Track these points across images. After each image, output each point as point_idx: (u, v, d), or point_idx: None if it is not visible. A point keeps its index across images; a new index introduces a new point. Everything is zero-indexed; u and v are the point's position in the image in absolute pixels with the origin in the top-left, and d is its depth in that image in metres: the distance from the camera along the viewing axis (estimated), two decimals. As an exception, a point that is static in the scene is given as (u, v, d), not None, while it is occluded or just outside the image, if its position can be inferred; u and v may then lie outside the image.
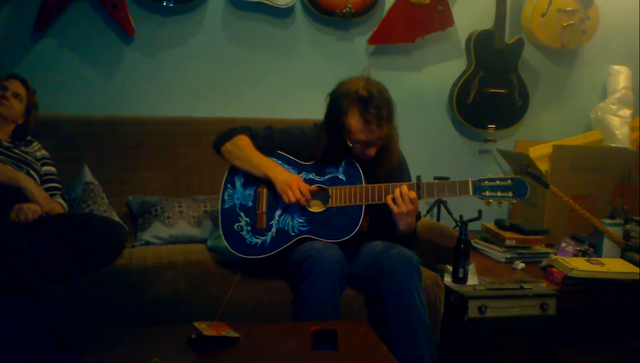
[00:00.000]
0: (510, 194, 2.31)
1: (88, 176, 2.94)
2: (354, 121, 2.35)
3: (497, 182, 2.32)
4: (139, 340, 1.97)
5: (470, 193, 2.33)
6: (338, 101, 2.39)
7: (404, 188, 2.32)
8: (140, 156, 3.11)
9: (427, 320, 2.29)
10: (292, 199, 2.37)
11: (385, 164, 2.45)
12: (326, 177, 2.45)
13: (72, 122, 3.08)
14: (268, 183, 2.45)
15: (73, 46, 3.32)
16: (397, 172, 2.51)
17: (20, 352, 2.06)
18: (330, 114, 2.43)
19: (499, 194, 2.32)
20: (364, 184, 2.38)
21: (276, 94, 3.62)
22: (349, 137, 2.38)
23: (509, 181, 2.32)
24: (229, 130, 2.58)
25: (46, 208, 2.45)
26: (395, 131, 2.44)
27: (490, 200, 2.33)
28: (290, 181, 2.39)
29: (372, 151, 2.40)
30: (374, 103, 2.33)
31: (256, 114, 3.41)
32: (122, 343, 1.94)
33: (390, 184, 2.35)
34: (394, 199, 2.32)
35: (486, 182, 2.32)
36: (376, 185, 2.36)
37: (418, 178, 2.37)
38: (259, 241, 2.43)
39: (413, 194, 2.32)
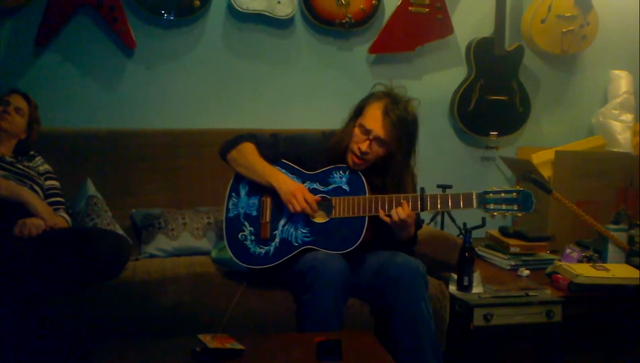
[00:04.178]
0: (516, 207, 2.28)
1: (91, 189, 2.94)
2: (374, 107, 2.39)
3: (502, 195, 2.29)
4: (143, 353, 1.96)
5: (475, 206, 2.30)
6: (375, 90, 2.46)
7: (399, 209, 2.29)
8: (143, 169, 3.11)
9: (434, 328, 2.29)
10: (298, 208, 2.35)
11: (390, 177, 2.42)
12: (330, 187, 2.44)
13: (74, 136, 3.09)
14: (272, 191, 2.44)
15: (74, 60, 3.33)
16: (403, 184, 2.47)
17: (24, 367, 2.06)
18: (363, 98, 2.48)
19: (504, 207, 2.28)
20: (367, 194, 2.37)
21: (277, 105, 3.63)
22: (359, 121, 2.40)
23: (514, 194, 2.28)
24: (235, 137, 2.56)
25: (50, 223, 2.45)
26: (399, 157, 2.40)
27: (495, 213, 2.29)
28: (295, 190, 2.37)
29: (364, 146, 2.36)
30: (401, 110, 2.37)
31: (258, 125, 3.41)
32: (127, 356, 1.94)
33: (394, 195, 2.33)
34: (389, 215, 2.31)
35: (490, 195, 2.29)
36: (379, 196, 2.34)
37: (422, 189, 2.35)
38: (263, 251, 2.43)
39: (407, 211, 2.29)
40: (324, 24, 3.54)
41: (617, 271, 2.85)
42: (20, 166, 2.66)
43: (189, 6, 3.33)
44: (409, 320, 2.25)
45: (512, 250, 3.14)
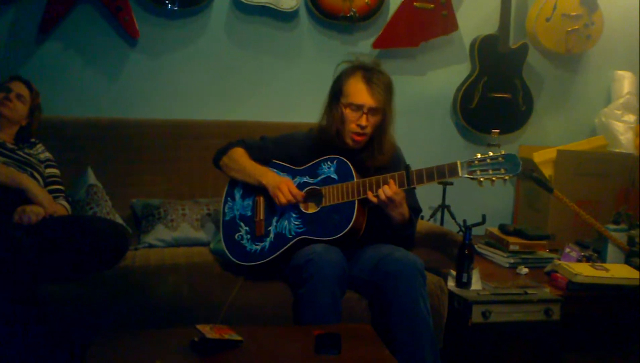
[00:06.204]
0: (503, 171, 2.21)
1: (91, 178, 2.94)
2: (354, 82, 2.41)
3: (488, 161, 2.23)
4: (141, 343, 1.96)
5: (460, 173, 2.24)
6: (344, 68, 2.47)
7: (386, 188, 2.29)
8: (144, 159, 3.10)
9: (432, 325, 2.28)
10: (283, 201, 2.39)
11: (377, 156, 2.45)
12: (319, 178, 2.46)
13: (75, 124, 3.09)
14: (264, 191, 2.48)
15: (77, 49, 3.32)
16: (392, 166, 2.48)
17: (22, 354, 2.06)
18: (334, 81, 2.49)
19: (491, 172, 2.22)
20: (355, 180, 2.38)
21: (280, 98, 3.62)
22: (344, 102, 2.42)
23: (500, 158, 2.22)
24: (225, 145, 2.63)
25: (49, 210, 2.45)
26: (390, 118, 2.46)
27: (482, 179, 2.22)
28: (279, 184, 2.41)
29: (362, 120, 2.39)
30: (378, 74, 2.42)
31: (260, 117, 3.41)
32: (125, 345, 1.94)
33: (381, 176, 2.33)
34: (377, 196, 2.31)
35: (476, 162, 2.24)
36: (367, 179, 2.35)
37: (407, 166, 2.35)
38: (259, 247, 2.45)
39: (393, 189, 2.28)
40: (328, 18, 3.53)
41: (617, 271, 2.85)
42: (21, 153, 2.65)
43: (194, -4, 3.33)
44: (406, 316, 2.25)
45: (512, 247, 3.14)
